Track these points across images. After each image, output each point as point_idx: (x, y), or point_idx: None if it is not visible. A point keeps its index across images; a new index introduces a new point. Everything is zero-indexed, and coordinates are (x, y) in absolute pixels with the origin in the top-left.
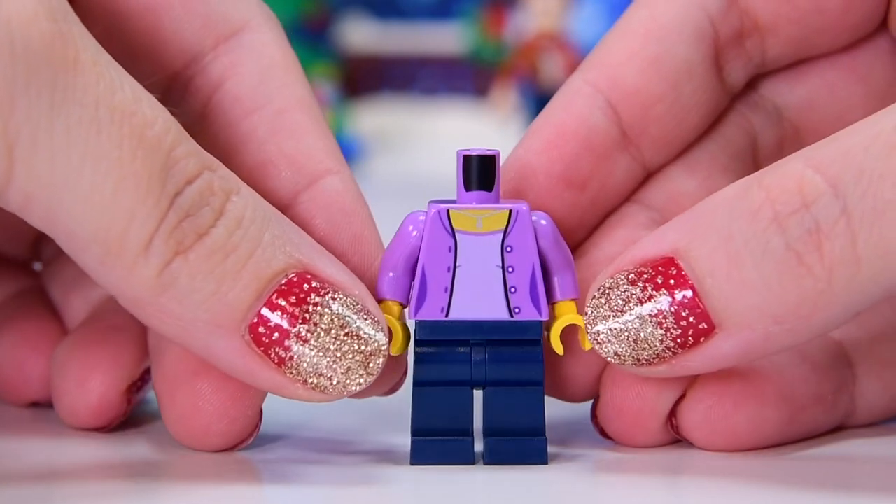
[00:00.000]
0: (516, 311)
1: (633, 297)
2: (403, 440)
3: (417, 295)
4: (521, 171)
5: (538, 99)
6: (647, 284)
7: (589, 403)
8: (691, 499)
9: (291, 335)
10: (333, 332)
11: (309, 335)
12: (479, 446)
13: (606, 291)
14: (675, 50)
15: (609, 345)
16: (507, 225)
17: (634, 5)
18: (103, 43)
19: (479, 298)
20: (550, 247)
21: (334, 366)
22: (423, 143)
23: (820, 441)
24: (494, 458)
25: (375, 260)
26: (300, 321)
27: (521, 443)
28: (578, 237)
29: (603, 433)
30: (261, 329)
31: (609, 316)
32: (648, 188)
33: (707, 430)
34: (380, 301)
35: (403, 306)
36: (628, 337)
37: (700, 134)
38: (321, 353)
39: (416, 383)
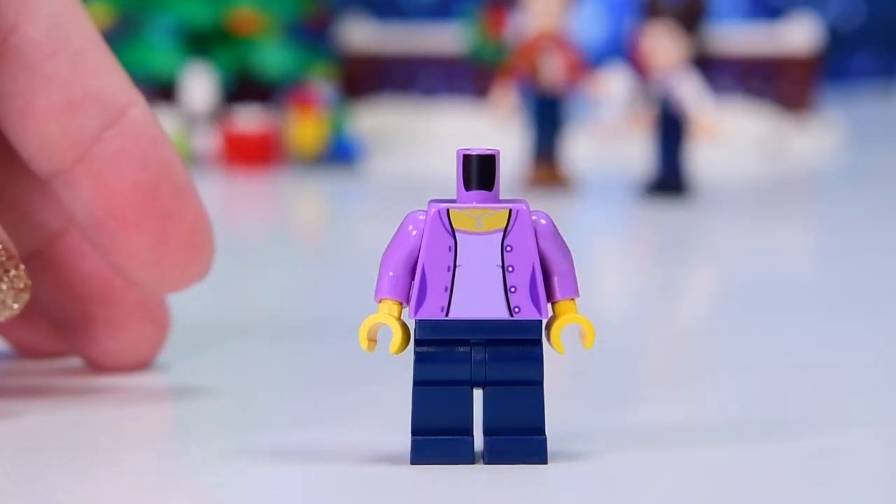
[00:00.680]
0: (516, 310)
1: None
2: (403, 440)
3: (417, 294)
4: None
5: (538, 99)
6: None
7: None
8: (691, 499)
9: None
10: None
11: None
12: (479, 445)
13: None
14: None
15: None
16: (507, 224)
17: None
18: None
19: (479, 298)
20: (550, 246)
21: None
22: (423, 143)
23: (820, 441)
24: (494, 457)
25: (185, 183)
26: None
27: (521, 442)
28: None
29: None
30: None
31: None
32: None
33: None
34: (380, 300)
35: (403, 306)
36: None
37: None
38: None
39: (416, 383)
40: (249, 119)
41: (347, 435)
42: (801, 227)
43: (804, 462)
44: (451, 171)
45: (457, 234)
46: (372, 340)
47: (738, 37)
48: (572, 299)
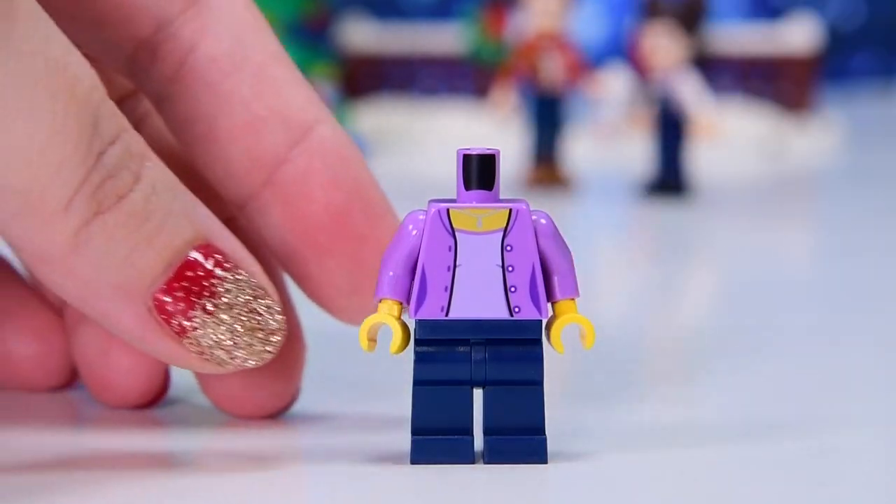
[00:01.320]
0: (516, 310)
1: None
2: (403, 439)
3: (417, 294)
4: None
5: (538, 99)
6: None
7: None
8: (691, 499)
9: (196, 307)
10: (236, 309)
11: (213, 308)
12: (478, 445)
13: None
14: None
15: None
16: (507, 224)
17: None
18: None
19: (479, 297)
20: (550, 246)
21: (236, 339)
22: (423, 143)
23: (820, 441)
24: (494, 457)
25: (379, 204)
26: (206, 294)
27: (520, 442)
28: None
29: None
30: (165, 298)
31: None
32: None
33: None
34: (380, 300)
35: (403, 305)
36: None
37: None
38: (223, 327)
39: (416, 382)
40: None
41: (347, 435)
42: (801, 227)
43: (804, 462)
44: (450, 171)
45: (457, 233)
46: (372, 340)
47: (737, 37)
48: (572, 299)
